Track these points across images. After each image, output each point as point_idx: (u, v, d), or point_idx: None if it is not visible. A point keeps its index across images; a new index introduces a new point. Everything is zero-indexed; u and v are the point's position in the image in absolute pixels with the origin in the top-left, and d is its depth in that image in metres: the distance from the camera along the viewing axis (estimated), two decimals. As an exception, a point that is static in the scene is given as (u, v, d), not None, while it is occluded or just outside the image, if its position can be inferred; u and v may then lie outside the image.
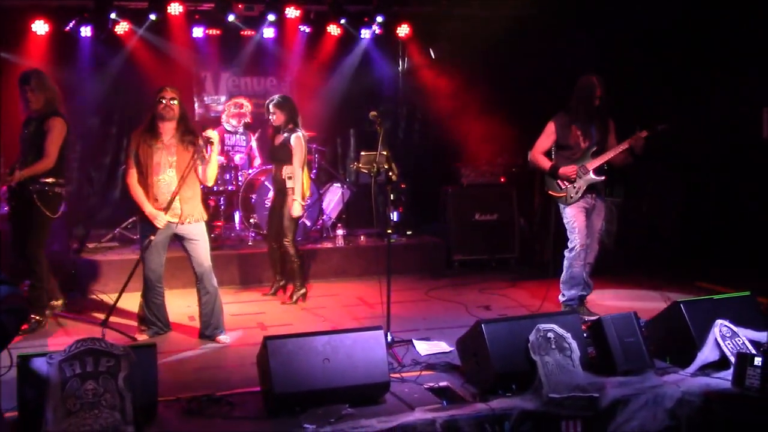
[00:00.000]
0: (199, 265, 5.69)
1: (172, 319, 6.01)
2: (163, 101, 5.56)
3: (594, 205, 6.28)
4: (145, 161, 5.56)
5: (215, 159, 5.70)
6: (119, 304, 5.88)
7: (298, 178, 6.72)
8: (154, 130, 5.59)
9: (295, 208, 6.75)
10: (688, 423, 4.26)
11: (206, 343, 5.69)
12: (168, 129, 5.61)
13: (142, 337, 5.72)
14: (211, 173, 5.70)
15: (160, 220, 5.55)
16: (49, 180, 5.88)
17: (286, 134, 6.83)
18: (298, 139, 6.75)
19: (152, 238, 5.59)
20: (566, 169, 6.18)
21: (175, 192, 5.53)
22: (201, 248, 5.70)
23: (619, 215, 8.91)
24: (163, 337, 5.77)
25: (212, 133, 5.63)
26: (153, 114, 5.60)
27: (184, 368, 5.16)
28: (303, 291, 7.03)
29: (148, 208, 5.57)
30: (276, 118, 6.86)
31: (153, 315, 5.81)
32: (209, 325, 5.76)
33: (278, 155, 6.90)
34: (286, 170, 6.79)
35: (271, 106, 6.88)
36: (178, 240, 5.74)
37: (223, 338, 5.75)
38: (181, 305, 6.58)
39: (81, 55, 9.06)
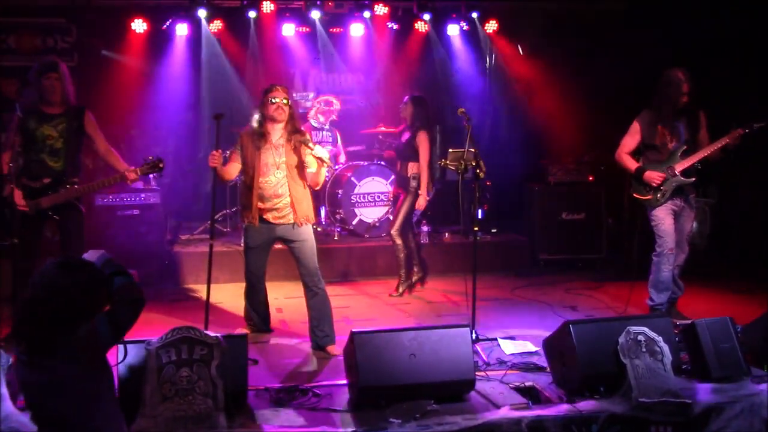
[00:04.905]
0: (305, 267, 5.44)
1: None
2: (275, 102, 5.37)
3: (683, 207, 6.05)
4: (252, 162, 5.38)
5: (324, 173, 5.48)
6: (218, 300, 5.94)
7: (424, 173, 7.02)
8: (262, 130, 5.42)
9: (419, 201, 7.09)
10: (786, 434, 4.11)
11: (292, 337, 5.72)
12: (276, 129, 5.42)
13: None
14: (318, 180, 5.52)
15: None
16: None
17: (411, 132, 7.11)
18: (423, 136, 7.02)
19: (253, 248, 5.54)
20: (652, 174, 5.94)
21: (282, 194, 5.39)
22: (308, 249, 5.44)
23: (713, 216, 8.59)
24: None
25: (323, 153, 5.35)
26: (261, 114, 5.44)
27: (272, 359, 5.26)
28: (412, 279, 7.37)
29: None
30: (403, 109, 7.22)
31: (255, 313, 5.80)
32: (319, 334, 5.44)
33: (403, 152, 7.23)
34: (410, 168, 7.06)
35: (406, 98, 7.23)
36: (284, 243, 5.55)
37: (333, 349, 5.36)
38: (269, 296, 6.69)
39: (177, 52, 9.37)
